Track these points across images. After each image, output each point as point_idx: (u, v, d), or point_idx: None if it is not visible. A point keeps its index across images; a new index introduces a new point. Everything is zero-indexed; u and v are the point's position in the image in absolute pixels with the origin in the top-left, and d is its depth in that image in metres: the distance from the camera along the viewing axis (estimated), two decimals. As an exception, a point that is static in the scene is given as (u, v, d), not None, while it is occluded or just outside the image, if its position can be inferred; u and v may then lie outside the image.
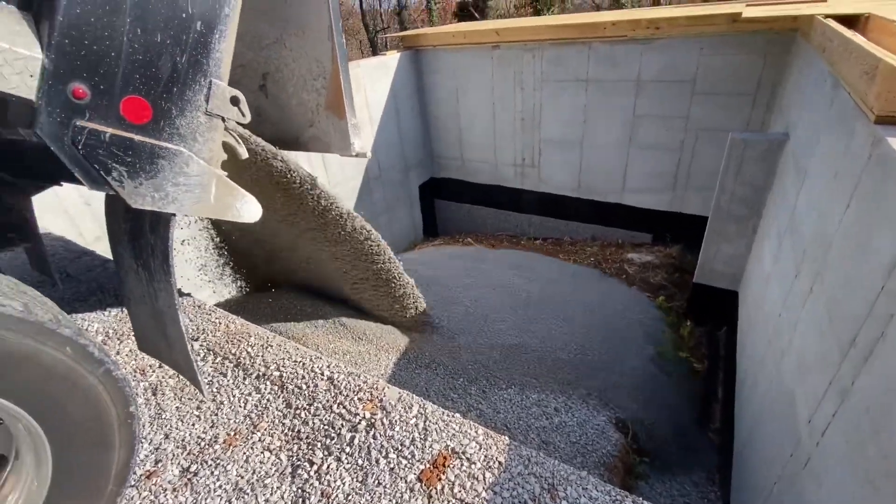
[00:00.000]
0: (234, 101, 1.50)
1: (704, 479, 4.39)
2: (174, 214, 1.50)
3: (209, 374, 2.28)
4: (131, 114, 1.34)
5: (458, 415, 1.87)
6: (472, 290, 5.06)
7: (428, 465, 1.68)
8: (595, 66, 7.37)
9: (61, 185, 2.15)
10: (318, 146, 2.22)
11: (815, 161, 3.64)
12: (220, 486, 1.68)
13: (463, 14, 24.00)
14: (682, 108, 6.90)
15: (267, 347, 2.39)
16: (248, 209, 1.63)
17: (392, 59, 8.60)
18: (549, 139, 8.57)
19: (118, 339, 2.49)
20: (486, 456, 1.69)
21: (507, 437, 1.75)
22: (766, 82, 6.20)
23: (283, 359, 2.29)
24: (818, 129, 3.73)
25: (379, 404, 1.96)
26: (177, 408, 2.08)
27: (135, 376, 2.27)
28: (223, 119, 1.51)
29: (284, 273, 4.23)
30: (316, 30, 1.93)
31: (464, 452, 1.71)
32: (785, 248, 4.01)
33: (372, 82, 8.20)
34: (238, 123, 1.56)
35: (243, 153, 1.74)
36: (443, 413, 1.88)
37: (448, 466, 1.66)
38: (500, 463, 1.66)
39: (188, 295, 2.96)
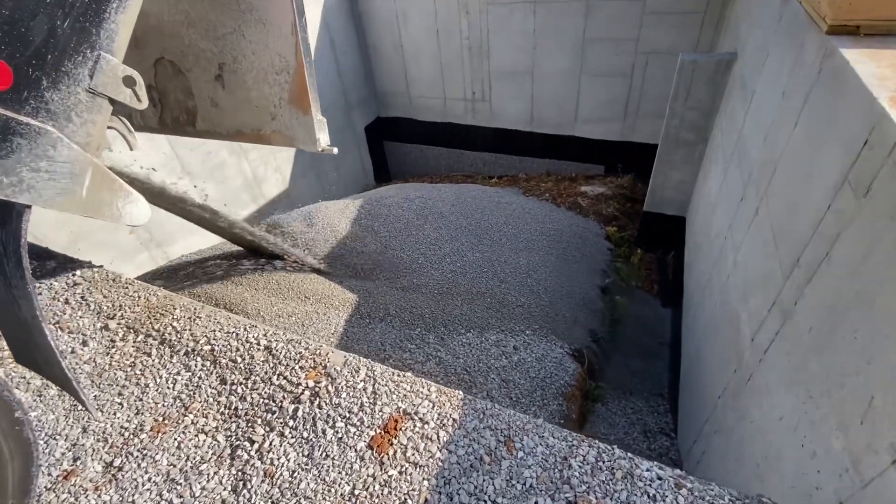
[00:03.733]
0: (129, 81, 1.32)
1: (655, 396, 4.70)
2: (29, 206, 1.20)
3: (132, 355, 2.04)
4: None
5: (409, 373, 1.76)
6: (427, 229, 4.89)
7: (379, 431, 1.57)
8: (543, -14, 6.87)
9: None
10: (281, 140, 2.09)
11: (762, 80, 3.57)
12: (150, 479, 1.52)
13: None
14: (632, 29, 6.63)
15: (195, 320, 2.15)
16: (132, 211, 1.37)
17: (321, -22, 7.64)
18: (498, 69, 8.13)
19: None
20: (439, 414, 1.61)
21: (460, 392, 1.66)
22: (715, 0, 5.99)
23: (214, 331, 2.07)
24: (766, 45, 3.62)
25: (323, 371, 1.81)
26: (94, 396, 1.85)
27: (42, 365, 1.99)
28: (111, 101, 1.30)
29: None
30: (278, 24, 1.81)
31: (416, 413, 1.62)
32: (731, 172, 4.05)
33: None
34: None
35: (134, 143, 1.46)
36: (393, 374, 1.77)
37: (400, 430, 1.57)
38: (454, 420, 1.58)
39: (99, 267, 2.61)
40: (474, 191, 6.65)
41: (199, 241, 5.91)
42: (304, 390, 1.75)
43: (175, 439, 1.65)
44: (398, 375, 1.76)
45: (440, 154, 10.16)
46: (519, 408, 2.99)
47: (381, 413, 1.63)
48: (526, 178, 9.08)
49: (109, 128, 1.50)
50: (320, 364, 1.84)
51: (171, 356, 2.00)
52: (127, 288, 2.41)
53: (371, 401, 1.68)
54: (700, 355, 3.91)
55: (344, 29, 8.29)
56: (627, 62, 6.97)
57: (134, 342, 2.11)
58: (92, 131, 1.28)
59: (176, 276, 3.56)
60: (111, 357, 2.04)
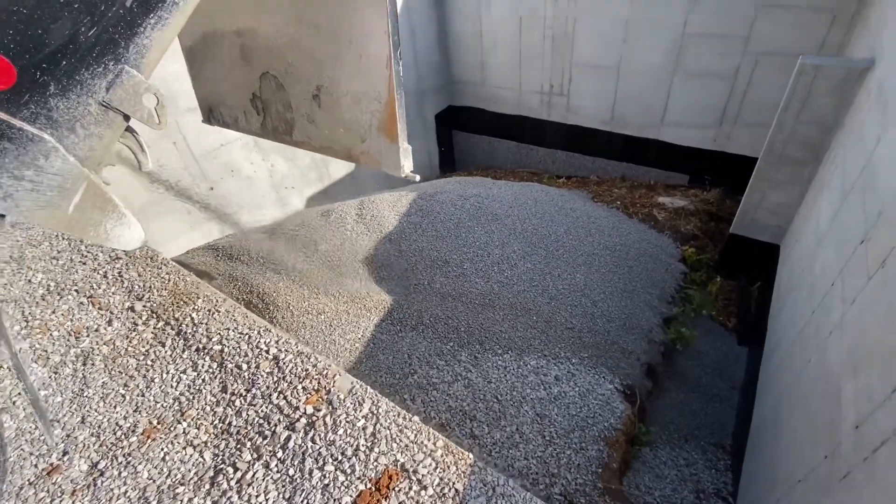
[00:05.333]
0: (151, 100, 1.24)
1: (715, 447, 4.12)
2: (3, 216, 1.11)
3: (148, 342, 2.00)
4: None
5: (416, 418, 1.53)
6: (478, 232, 4.59)
7: (369, 486, 1.36)
8: (642, -28, 6.18)
9: None
10: (368, 161, 2.23)
11: (912, 96, 2.86)
12: (125, 494, 1.42)
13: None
14: (743, 24, 5.77)
15: (213, 314, 2.07)
16: (123, 234, 1.25)
17: (406, -41, 7.49)
18: (581, 62, 7.53)
19: (58, 293, 2.21)
20: (441, 479, 1.36)
21: (471, 455, 1.40)
22: (853, -9, 5.02)
23: (229, 329, 1.97)
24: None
25: (325, 397, 1.63)
26: (103, 384, 1.81)
27: (67, 340, 2.00)
28: (125, 117, 1.22)
29: None
30: (374, 56, 1.92)
31: (415, 471, 1.38)
32: (851, 204, 3.34)
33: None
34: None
35: (145, 163, 1.44)
36: (398, 415, 1.54)
37: (393, 489, 1.34)
38: (456, 491, 1.33)
39: (144, 245, 2.63)
40: (537, 191, 6.22)
41: (268, 214, 6.09)
42: (300, 416, 1.58)
43: (162, 449, 1.55)
44: (403, 419, 1.53)
45: (508, 148, 9.76)
46: (551, 448, 2.66)
47: (375, 463, 1.41)
48: (597, 182, 8.43)
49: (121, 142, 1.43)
50: (324, 388, 1.66)
51: (183, 350, 1.93)
52: (161, 269, 2.40)
53: (368, 445, 1.46)
54: (779, 417, 3.31)
55: (426, 14, 8.10)
56: (732, 63, 6.11)
57: (154, 328, 2.07)
58: (96, 145, 1.19)
59: (231, 249, 3.58)
60: (129, 341, 2.01)
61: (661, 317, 4.36)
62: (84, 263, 2.44)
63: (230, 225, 5.68)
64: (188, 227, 5.42)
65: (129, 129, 1.32)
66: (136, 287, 2.29)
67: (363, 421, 1.55)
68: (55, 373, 1.88)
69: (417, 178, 2.09)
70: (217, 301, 2.14)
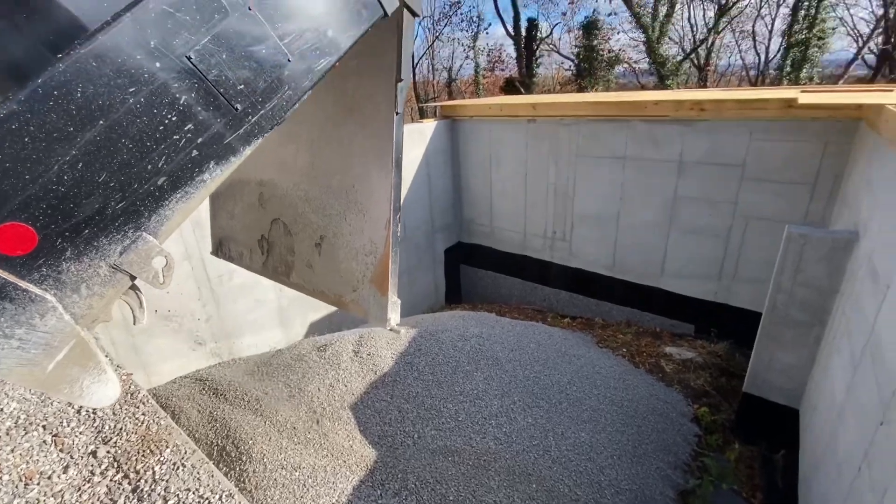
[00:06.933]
0: (161, 262, 1.26)
1: None
2: None
3: (99, 499, 1.81)
4: (3, 241, 1.00)
5: None
6: (477, 378, 4.43)
7: None
8: (634, 145, 7.01)
9: None
10: (357, 310, 2.35)
11: (901, 275, 2.95)
12: None
13: (509, 88, 24.88)
14: (729, 192, 6.32)
15: (178, 468, 1.91)
16: (98, 392, 1.22)
17: (428, 126, 8.69)
18: (582, 213, 8.12)
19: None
20: None
21: None
22: (826, 172, 5.56)
23: (189, 490, 1.80)
24: (903, 234, 3.07)
25: None
26: (33, 550, 1.60)
27: (16, 486, 1.83)
28: (132, 277, 1.22)
29: None
30: (375, 216, 2.11)
31: None
32: (864, 378, 3.21)
33: (406, 147, 8.19)
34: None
35: (142, 320, 1.44)
36: None
37: None
38: None
39: (129, 375, 2.57)
40: (540, 333, 6.16)
41: (269, 337, 6.03)
42: None
43: None
44: None
45: (514, 284, 10.02)
46: None
47: None
48: (602, 325, 8.38)
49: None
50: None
51: (134, 513, 1.74)
52: (138, 407, 2.29)
53: None
54: None
55: (441, 165, 9.13)
56: (723, 223, 6.53)
57: (111, 480, 1.89)
58: (96, 304, 1.17)
59: (218, 383, 3.45)
60: (80, 495, 1.83)
61: (676, 489, 3.90)
62: (63, 395, 2.36)
63: (227, 349, 5.60)
64: (187, 349, 5.35)
65: (132, 287, 1.34)
66: (107, 427, 2.17)
67: None
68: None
69: (402, 330, 2.20)
70: (185, 453, 1.99)
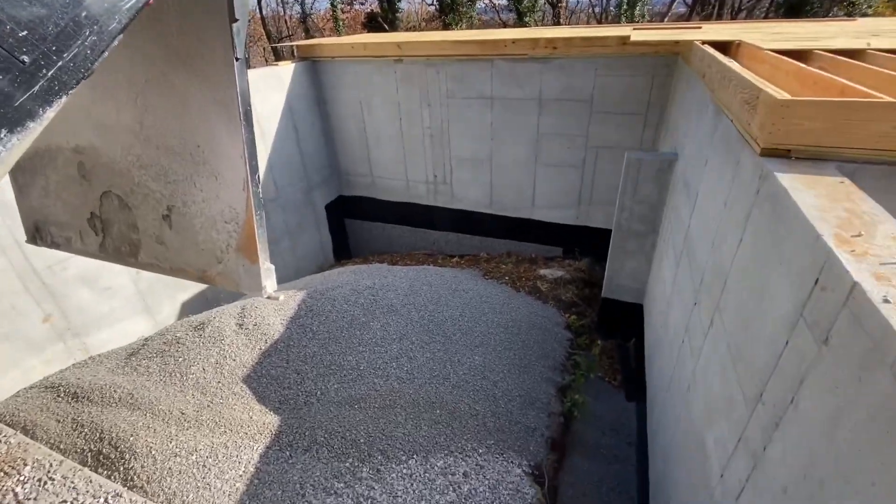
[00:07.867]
0: None
1: (624, 509, 4.26)
2: None
3: (-58, 541, 1.53)
4: None
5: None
6: (374, 327, 4.54)
7: None
8: (499, 84, 7.30)
9: None
10: (226, 283, 2.16)
11: (704, 185, 3.66)
12: None
13: (372, 25, 23.51)
14: (581, 126, 7.03)
15: (46, 483, 1.69)
16: None
17: (286, 69, 7.90)
18: (459, 156, 8.37)
19: None
20: None
21: None
22: (654, 102, 6.46)
23: (65, 502, 1.61)
24: (705, 151, 3.76)
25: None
26: None
27: None
28: None
29: None
30: (230, 178, 1.91)
31: None
32: (682, 270, 4.02)
33: (262, 94, 7.44)
34: None
35: None
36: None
37: None
38: None
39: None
40: (432, 275, 6.44)
41: (131, 328, 5.34)
42: None
43: None
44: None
45: (403, 232, 10.13)
46: (467, 557, 2.52)
47: None
48: (487, 259, 9.03)
49: None
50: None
51: (-4, 543, 1.52)
52: (-25, 431, 1.93)
53: None
54: (668, 471, 3.59)
55: (307, 113, 8.47)
56: (578, 155, 7.30)
57: (-46, 518, 1.61)
58: None
59: (76, 387, 3.00)
60: (-87, 544, 1.53)
61: (556, 386, 4.59)
62: None
63: (79, 348, 4.85)
64: (26, 355, 4.51)
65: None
66: (-67, 462, 1.80)
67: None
68: None
69: (280, 297, 2.13)
70: (51, 466, 1.76)
